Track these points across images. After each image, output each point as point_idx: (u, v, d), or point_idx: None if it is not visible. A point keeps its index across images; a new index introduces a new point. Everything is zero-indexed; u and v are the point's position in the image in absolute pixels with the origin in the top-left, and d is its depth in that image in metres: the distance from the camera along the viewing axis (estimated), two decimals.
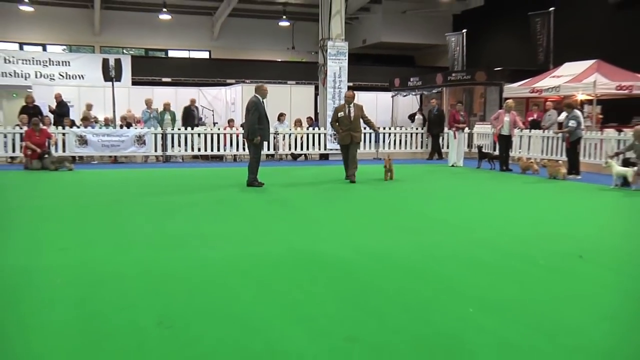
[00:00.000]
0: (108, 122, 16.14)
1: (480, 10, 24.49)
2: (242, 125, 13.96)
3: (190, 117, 17.63)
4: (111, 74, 16.04)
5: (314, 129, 16.87)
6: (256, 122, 9.95)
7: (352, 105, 10.94)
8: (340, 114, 10.94)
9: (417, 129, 18.59)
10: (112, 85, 16.12)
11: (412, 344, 3.26)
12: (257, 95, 10.17)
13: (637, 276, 4.79)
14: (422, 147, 17.75)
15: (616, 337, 3.42)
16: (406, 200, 9.17)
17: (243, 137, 11.44)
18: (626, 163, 10.81)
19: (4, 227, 6.54)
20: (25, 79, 18.41)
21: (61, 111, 15.79)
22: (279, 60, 28.17)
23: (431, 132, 17.53)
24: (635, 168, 10.10)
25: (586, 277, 4.69)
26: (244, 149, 11.14)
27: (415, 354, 3.14)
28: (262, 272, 4.75)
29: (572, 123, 12.09)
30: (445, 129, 16.99)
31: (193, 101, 18.84)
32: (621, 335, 3.46)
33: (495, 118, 13.79)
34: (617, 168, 10.40)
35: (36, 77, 18.46)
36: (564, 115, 13.18)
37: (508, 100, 14.37)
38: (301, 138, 16.57)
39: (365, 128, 12.22)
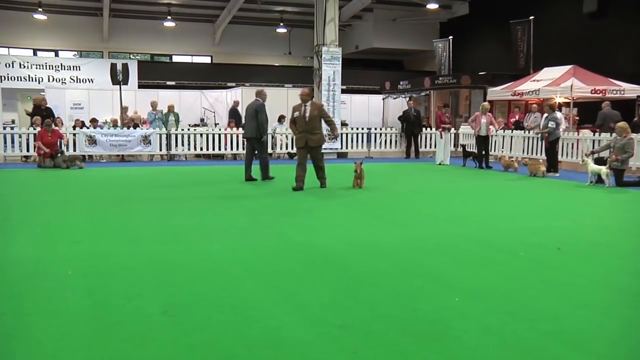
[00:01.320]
0: (115, 124, 16.11)
1: (465, 19, 24.49)
2: (242, 126, 13.87)
3: (237, 116, 17.54)
4: (119, 77, 15.99)
5: None
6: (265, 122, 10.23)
7: (308, 104, 9.23)
8: (296, 113, 9.29)
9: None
10: (120, 88, 16.07)
11: (401, 331, 3.27)
12: (259, 98, 10.37)
13: (611, 267, 4.81)
14: (411, 147, 17.69)
15: (591, 323, 3.43)
16: (395, 196, 9.14)
17: (243, 137, 11.34)
18: (599, 162, 10.84)
19: (20, 221, 6.51)
20: (39, 83, 18.31)
21: (45, 113, 15.57)
22: (277, 64, 28.07)
23: (412, 132, 17.14)
24: (606, 169, 10.15)
25: (563, 268, 4.70)
26: (243, 148, 11.09)
27: (404, 340, 3.14)
28: (261, 263, 4.75)
29: (551, 124, 12.14)
30: (430, 129, 17.01)
31: (236, 103, 18.77)
32: (596, 321, 3.47)
33: (472, 120, 13.72)
34: (593, 166, 10.43)
35: (49, 81, 18.38)
36: (544, 116, 13.22)
37: (484, 103, 14.32)
38: None
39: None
